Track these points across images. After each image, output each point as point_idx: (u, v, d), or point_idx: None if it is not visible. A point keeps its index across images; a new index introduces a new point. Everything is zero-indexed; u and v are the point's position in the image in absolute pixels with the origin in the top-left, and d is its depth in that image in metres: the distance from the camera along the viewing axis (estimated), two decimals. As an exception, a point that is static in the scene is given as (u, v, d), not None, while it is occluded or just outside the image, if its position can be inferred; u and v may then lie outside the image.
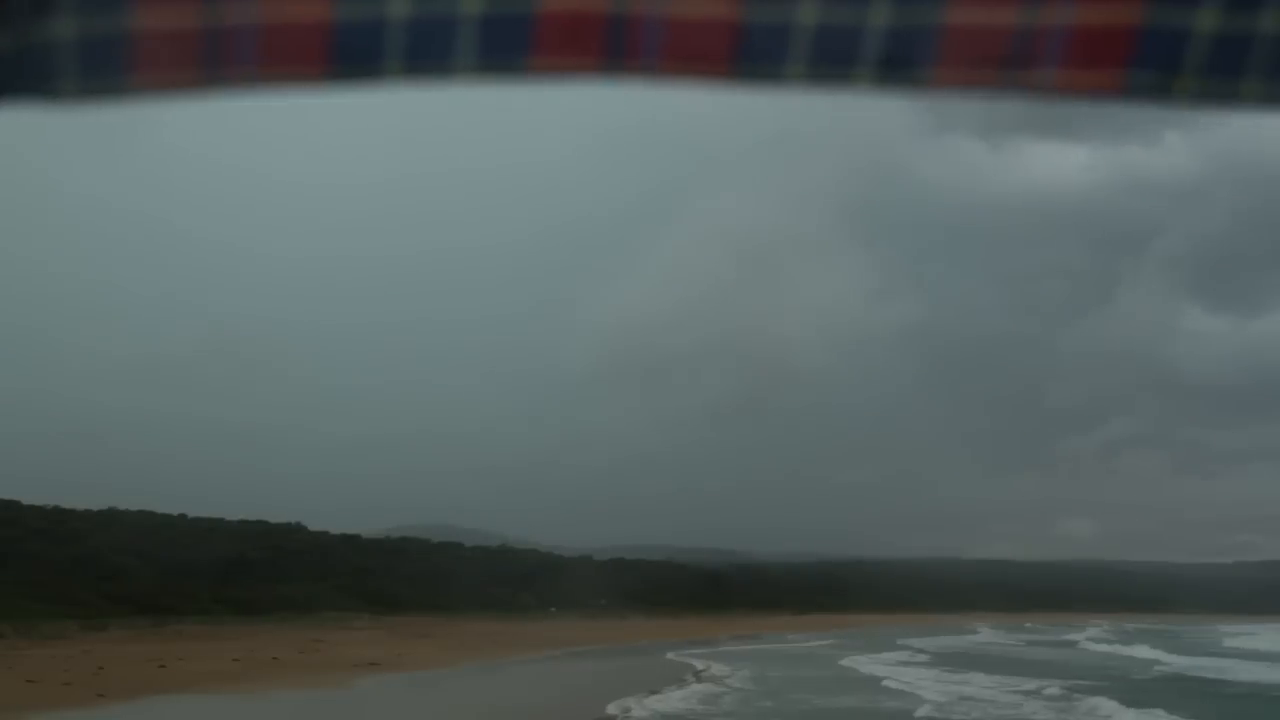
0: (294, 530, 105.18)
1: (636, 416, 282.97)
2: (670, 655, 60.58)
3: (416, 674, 47.03)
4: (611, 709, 34.85)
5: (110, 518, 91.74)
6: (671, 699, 38.74)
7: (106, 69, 1.37)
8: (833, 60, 1.34)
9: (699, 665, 54.06)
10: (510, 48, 1.36)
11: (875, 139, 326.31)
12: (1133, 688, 45.35)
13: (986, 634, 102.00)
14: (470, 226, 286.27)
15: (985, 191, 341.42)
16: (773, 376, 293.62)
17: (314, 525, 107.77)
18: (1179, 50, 1.33)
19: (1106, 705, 38.77)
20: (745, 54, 1.34)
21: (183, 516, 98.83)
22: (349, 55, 1.35)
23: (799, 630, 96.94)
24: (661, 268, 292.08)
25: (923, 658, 64.03)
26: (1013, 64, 1.34)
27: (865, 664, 57.42)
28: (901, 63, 1.34)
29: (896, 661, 59.78)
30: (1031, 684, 46.12)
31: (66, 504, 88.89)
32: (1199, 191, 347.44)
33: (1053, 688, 43.95)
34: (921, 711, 36.58)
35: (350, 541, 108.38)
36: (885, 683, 46.54)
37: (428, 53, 1.35)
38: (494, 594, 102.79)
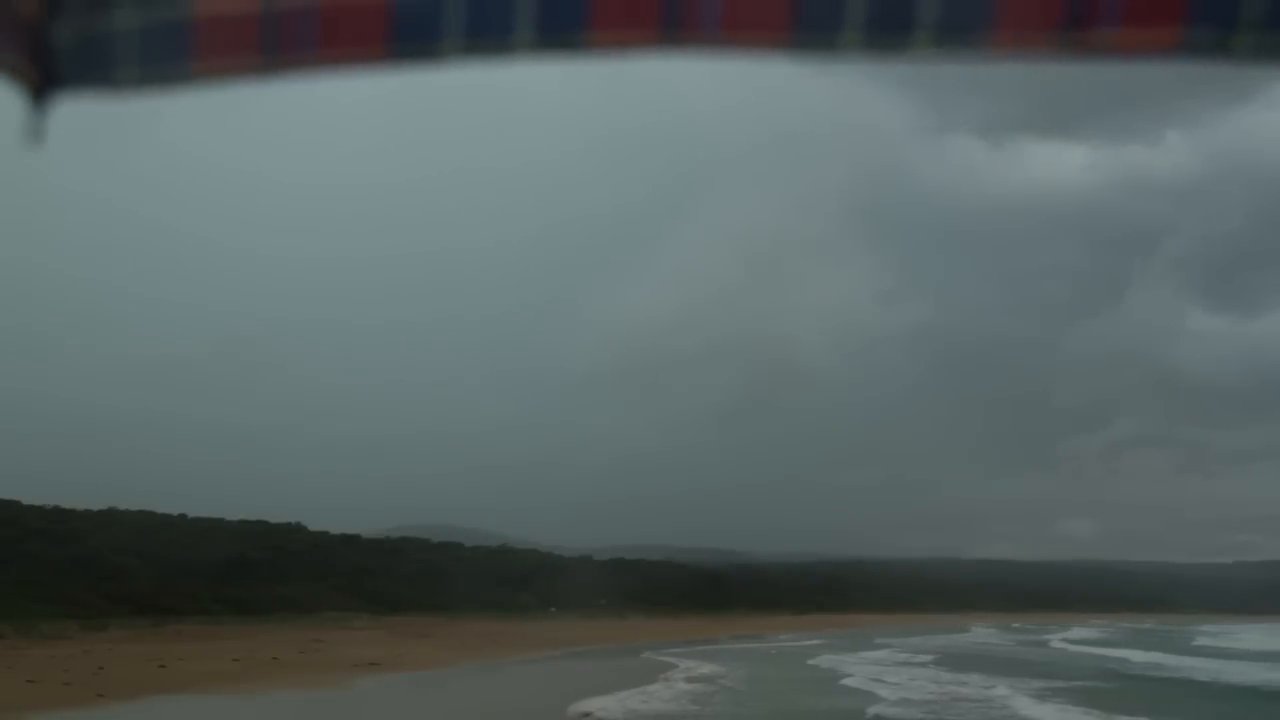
0: (294, 530, 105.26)
1: (639, 417, 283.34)
2: (647, 654, 60.88)
3: (417, 674, 47.09)
4: (572, 710, 35.04)
5: (110, 518, 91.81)
6: (629, 698, 38.79)
7: (168, 57, 1.38)
8: (889, 26, 1.34)
9: (678, 665, 54.43)
10: (569, 21, 1.36)
11: (879, 140, 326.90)
12: (1072, 684, 47.07)
13: (976, 634, 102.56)
14: (474, 227, 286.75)
15: (987, 192, 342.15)
16: (777, 378, 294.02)
17: (314, 525, 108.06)
18: (1236, 5, 1.32)
19: (1026, 702, 40.32)
20: (802, 21, 1.34)
21: (183, 516, 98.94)
22: (409, 34, 1.35)
23: (797, 630, 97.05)
24: (667, 269, 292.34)
25: (895, 656, 64.80)
26: (1070, 25, 1.33)
27: (833, 663, 57.99)
28: (958, 27, 1.33)
29: (867, 661, 60.39)
30: (982, 680, 47.80)
31: (66, 504, 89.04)
32: (1200, 192, 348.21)
33: (1000, 686, 45.16)
34: (874, 710, 36.93)
35: (350, 541, 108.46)
36: (845, 681, 47.21)
37: (487, 29, 1.35)
38: (494, 594, 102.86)
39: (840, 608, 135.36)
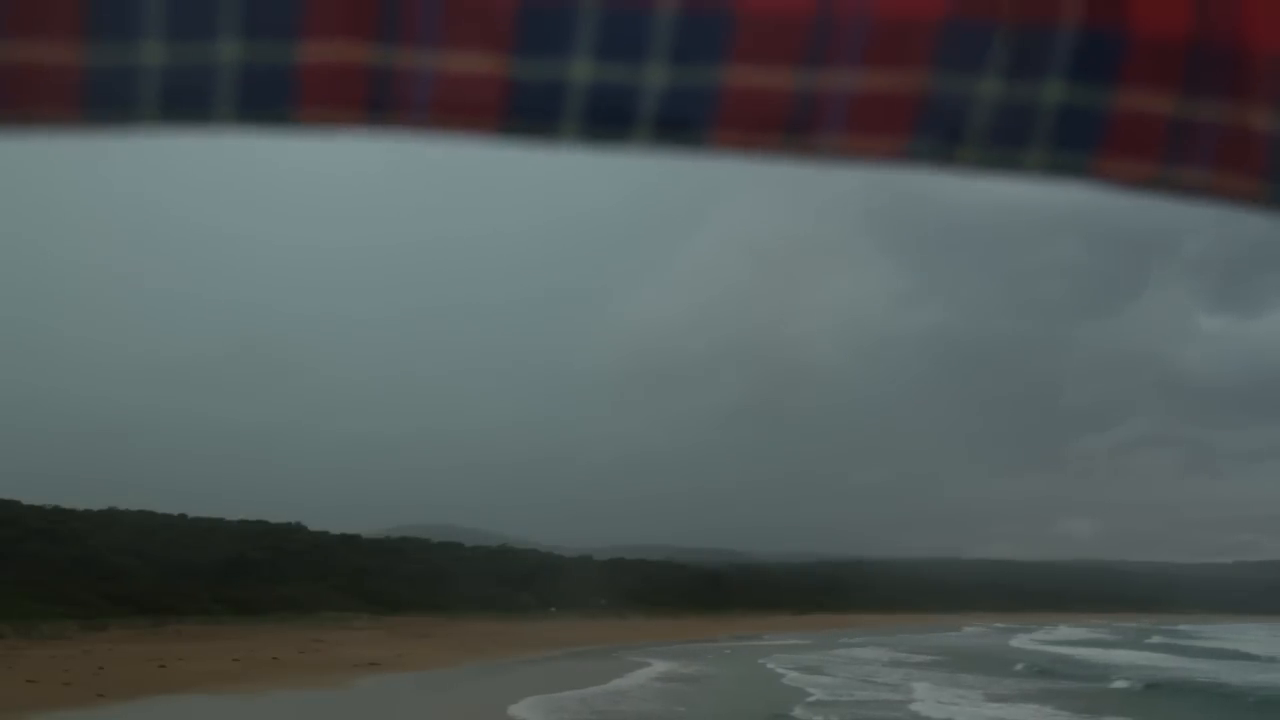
0: (294, 530, 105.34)
1: (641, 418, 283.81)
2: (619, 655, 61.54)
3: (416, 674, 47.10)
4: (512, 710, 35.29)
5: (110, 518, 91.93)
6: (571, 698, 39.19)
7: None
8: (608, 119, 1.30)
9: (645, 665, 55.11)
10: (272, 97, 1.29)
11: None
12: (1000, 681, 49.99)
13: (965, 634, 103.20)
14: (482, 226, 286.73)
15: (988, 191, 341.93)
16: (784, 379, 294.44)
17: (314, 525, 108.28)
18: (962, 118, 1.31)
19: (927, 690, 43.51)
20: (516, 109, 1.29)
21: (183, 516, 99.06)
22: (103, 99, 1.28)
23: (798, 630, 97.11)
24: (675, 270, 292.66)
25: (854, 655, 66.20)
26: (794, 128, 1.30)
27: (787, 663, 58.91)
28: (679, 123, 1.30)
29: (826, 660, 61.55)
30: (914, 677, 50.48)
31: (66, 504, 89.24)
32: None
33: (924, 682, 47.67)
34: (797, 708, 37.97)
35: (350, 541, 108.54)
36: (786, 680, 48.76)
37: (183, 100, 1.29)
38: (494, 594, 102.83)
39: (840, 608, 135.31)
